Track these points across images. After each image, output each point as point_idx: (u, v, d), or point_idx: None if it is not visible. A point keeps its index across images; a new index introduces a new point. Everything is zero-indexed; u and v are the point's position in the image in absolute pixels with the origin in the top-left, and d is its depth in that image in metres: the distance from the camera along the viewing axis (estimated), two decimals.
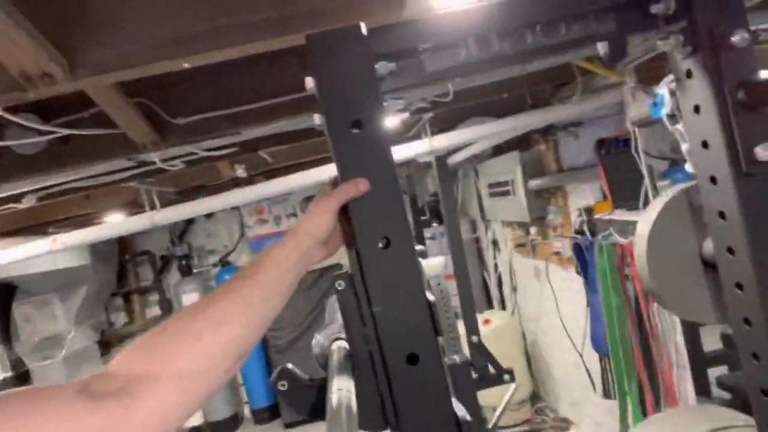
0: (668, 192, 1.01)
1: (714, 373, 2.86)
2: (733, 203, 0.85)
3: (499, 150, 4.27)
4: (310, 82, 0.82)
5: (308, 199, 5.27)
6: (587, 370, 3.69)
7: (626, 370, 2.74)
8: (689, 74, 0.88)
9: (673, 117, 0.95)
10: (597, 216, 3.06)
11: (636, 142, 2.52)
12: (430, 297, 0.80)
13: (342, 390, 0.72)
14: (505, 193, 4.11)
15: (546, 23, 0.89)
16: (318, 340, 0.96)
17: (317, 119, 0.83)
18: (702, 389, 2.66)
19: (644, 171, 2.47)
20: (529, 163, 3.73)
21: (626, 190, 2.85)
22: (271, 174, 3.49)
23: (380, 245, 0.80)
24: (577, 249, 3.00)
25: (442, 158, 3.21)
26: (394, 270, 0.80)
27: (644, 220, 1.01)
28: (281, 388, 0.78)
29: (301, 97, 1.65)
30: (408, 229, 0.81)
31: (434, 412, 0.78)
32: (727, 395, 3.13)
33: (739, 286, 0.88)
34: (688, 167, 0.96)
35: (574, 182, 3.41)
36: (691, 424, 1.19)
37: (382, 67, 0.82)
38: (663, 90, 0.94)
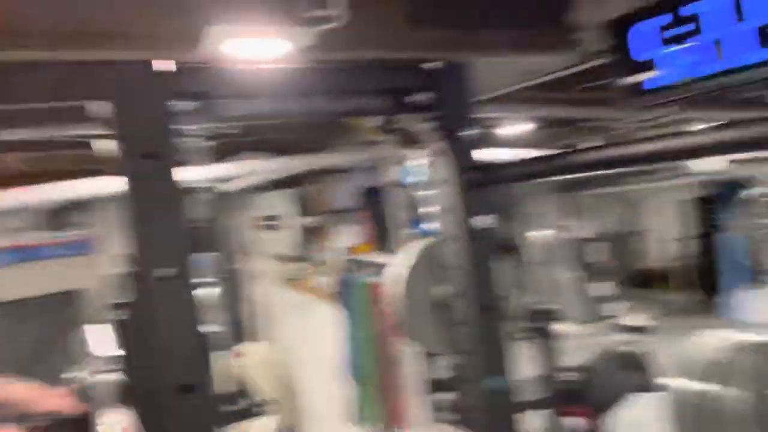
0: (418, 244, 1.24)
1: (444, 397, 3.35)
2: (461, 257, 1.09)
3: (273, 185, 4.39)
4: (97, 105, 0.82)
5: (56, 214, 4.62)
6: (342, 397, 3.94)
7: (371, 396, 3.03)
8: (436, 153, 1.12)
9: (415, 186, 1.18)
10: (357, 256, 3.36)
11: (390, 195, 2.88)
12: (207, 328, 0.85)
13: (111, 423, 0.72)
14: (274, 228, 4.23)
15: (336, 92, 1.04)
16: (77, 375, 0.92)
17: (101, 144, 0.83)
18: (433, 412, 3.09)
19: (397, 222, 2.84)
20: (301, 200, 3.93)
21: (385, 236, 3.21)
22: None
23: (162, 276, 0.82)
24: (341, 284, 3.25)
25: (211, 188, 3.20)
26: (175, 301, 0.83)
27: (400, 264, 1.21)
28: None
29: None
30: (189, 261, 0.85)
31: None
32: (453, 417, 3.66)
33: (459, 323, 1.12)
34: (424, 227, 1.19)
35: (340, 223, 3.70)
36: None
37: (181, 104, 0.87)
38: (415, 162, 1.17)
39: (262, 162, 2.99)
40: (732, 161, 6.01)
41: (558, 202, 7.02)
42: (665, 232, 9.55)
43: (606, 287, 7.99)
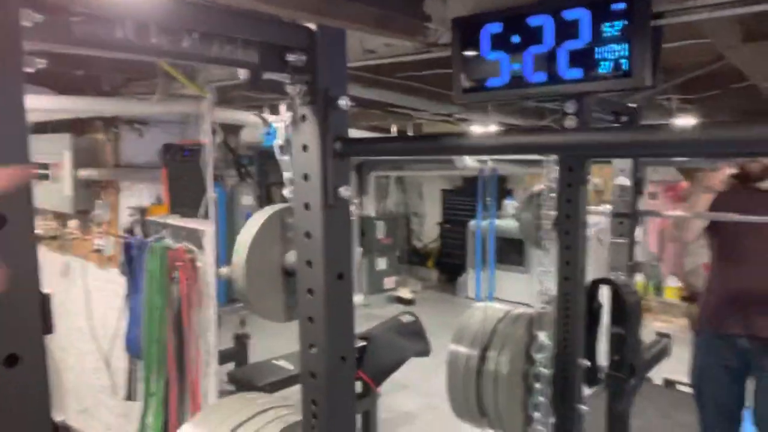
0: (266, 209, 1.19)
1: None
2: (318, 226, 1.09)
3: (41, 127, 3.74)
4: None
5: None
6: (110, 374, 3.57)
7: (157, 370, 2.82)
8: (303, 118, 1.09)
9: (282, 148, 1.14)
10: (151, 218, 3.07)
11: (205, 155, 2.71)
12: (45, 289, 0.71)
13: None
14: (44, 177, 3.61)
15: (203, 34, 0.94)
16: None
17: None
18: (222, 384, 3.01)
19: (208, 183, 2.67)
20: (82, 150, 3.42)
21: (185, 198, 2.99)
22: None
23: None
24: (127, 248, 2.93)
25: None
26: (7, 254, 0.67)
27: (245, 231, 1.15)
28: None
29: None
30: (30, 205, 0.69)
31: (34, 419, 0.69)
32: (232, 387, 3.61)
33: (310, 291, 1.12)
34: (286, 192, 1.16)
35: (130, 179, 3.32)
36: (239, 411, 1.38)
37: (26, 15, 0.69)
38: (279, 124, 1.12)
39: (43, 98, 2.52)
40: (479, 160, 7.06)
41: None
42: (432, 216, 10.75)
43: (384, 262, 8.70)
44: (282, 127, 1.11)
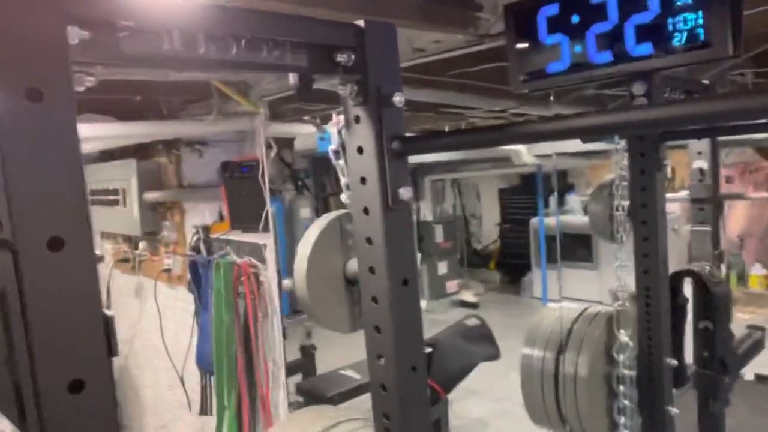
0: (324, 217, 1.16)
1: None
2: (379, 231, 1.04)
3: (109, 155, 3.91)
4: None
5: None
6: (185, 389, 3.66)
7: (228, 384, 2.86)
8: (357, 120, 1.04)
9: (337, 153, 1.10)
10: (214, 235, 3.14)
11: (263, 170, 2.73)
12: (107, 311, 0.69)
13: None
14: (114, 203, 3.77)
15: (251, 40, 0.91)
16: None
17: None
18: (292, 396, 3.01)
19: (267, 197, 2.69)
20: (146, 174, 3.54)
21: (245, 213, 3.03)
22: None
23: (48, 246, 0.65)
24: (193, 266, 3.00)
25: None
26: (67, 277, 0.65)
27: (304, 241, 1.12)
28: None
29: None
30: (89, 226, 0.68)
31: None
32: (301, 399, 3.62)
33: (374, 299, 1.07)
34: (344, 198, 1.12)
35: (193, 200, 3.41)
36: (309, 425, 1.34)
37: (74, 33, 0.68)
38: (332, 128, 1.08)
39: (104, 126, 2.62)
40: (537, 155, 6.82)
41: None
42: (491, 217, 10.53)
43: (445, 266, 8.58)
44: (335, 130, 1.07)
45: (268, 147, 2.56)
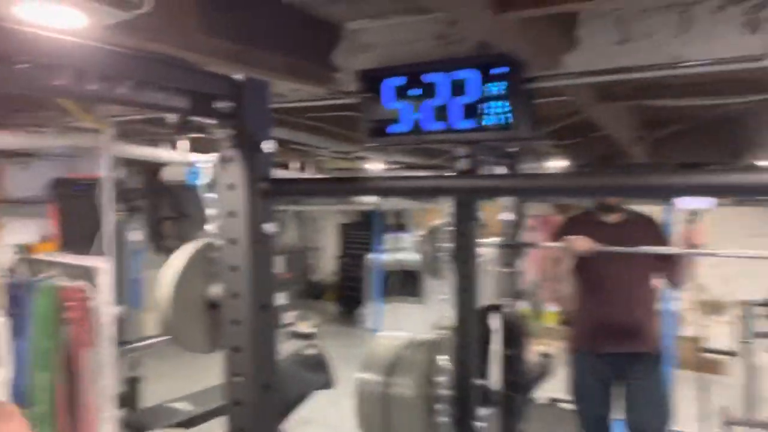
0: (191, 245, 1.25)
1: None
2: (245, 260, 1.16)
3: None
4: None
5: None
6: None
7: (46, 418, 2.63)
8: (230, 159, 1.17)
9: (208, 187, 1.21)
10: (37, 256, 2.90)
11: (100, 191, 2.63)
12: None
13: None
14: None
15: (138, 82, 1.00)
16: None
17: None
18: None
19: (105, 219, 2.59)
20: None
21: (77, 234, 2.87)
22: None
23: None
24: (11, 289, 2.73)
25: None
26: None
27: (169, 266, 1.20)
28: None
29: None
30: None
31: None
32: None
33: (236, 322, 1.18)
34: (210, 228, 1.23)
35: (14, 215, 3.11)
36: None
37: None
38: (204, 164, 1.19)
39: None
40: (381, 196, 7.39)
41: None
42: (330, 250, 10.83)
43: (283, 297, 8.57)
44: (209, 166, 1.18)
45: (116, 167, 2.49)
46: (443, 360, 2.16)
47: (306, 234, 10.99)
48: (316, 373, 3.66)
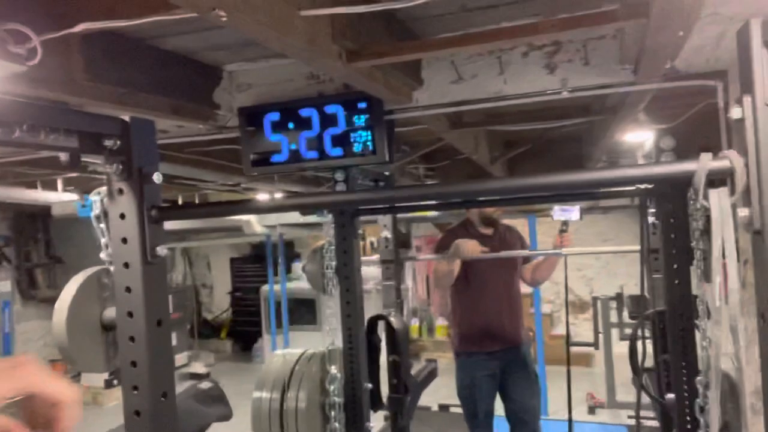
0: (83, 273, 1.34)
1: None
2: (138, 281, 1.29)
3: None
4: None
5: None
6: None
7: None
8: (121, 191, 1.30)
9: (98, 218, 1.32)
10: None
11: None
12: None
13: None
14: None
15: (32, 126, 1.12)
16: None
17: None
18: None
19: None
20: None
21: None
22: None
23: None
24: None
25: None
26: None
27: (64, 293, 1.29)
28: None
29: None
30: None
31: None
32: None
33: (132, 339, 1.30)
34: (103, 255, 1.34)
35: None
36: None
37: None
38: (96, 197, 1.31)
39: None
40: (266, 225, 7.46)
41: None
42: (222, 286, 10.59)
43: (173, 338, 8.26)
44: (98, 199, 1.30)
45: None
46: (334, 369, 2.34)
47: (197, 272, 10.68)
48: (214, 405, 3.67)
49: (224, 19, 0.96)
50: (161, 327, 1.32)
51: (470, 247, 3.32)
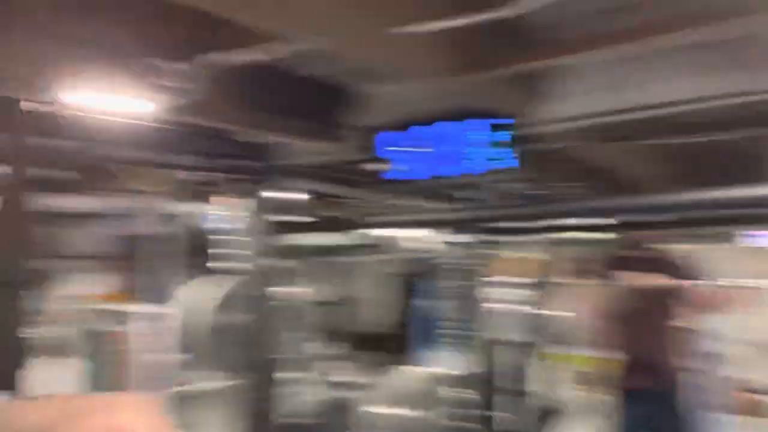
0: (211, 282, 1.50)
1: None
2: (262, 289, 1.41)
3: None
4: None
5: None
6: None
7: None
8: (251, 208, 1.44)
9: (217, 231, 1.48)
10: (102, 305, 3.21)
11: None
12: None
13: None
14: None
15: (182, 151, 1.30)
16: None
17: None
18: None
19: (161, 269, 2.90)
20: None
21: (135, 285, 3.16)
22: None
23: None
24: (82, 335, 3.04)
25: None
26: None
27: (197, 300, 1.46)
28: None
29: None
30: None
31: None
32: None
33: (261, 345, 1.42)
34: (236, 264, 1.49)
35: (77, 269, 3.46)
36: None
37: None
38: (217, 212, 1.47)
39: None
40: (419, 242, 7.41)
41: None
42: (374, 300, 10.87)
43: (321, 346, 8.66)
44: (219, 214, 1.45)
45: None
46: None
47: (344, 284, 11.07)
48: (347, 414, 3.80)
49: None
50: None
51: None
